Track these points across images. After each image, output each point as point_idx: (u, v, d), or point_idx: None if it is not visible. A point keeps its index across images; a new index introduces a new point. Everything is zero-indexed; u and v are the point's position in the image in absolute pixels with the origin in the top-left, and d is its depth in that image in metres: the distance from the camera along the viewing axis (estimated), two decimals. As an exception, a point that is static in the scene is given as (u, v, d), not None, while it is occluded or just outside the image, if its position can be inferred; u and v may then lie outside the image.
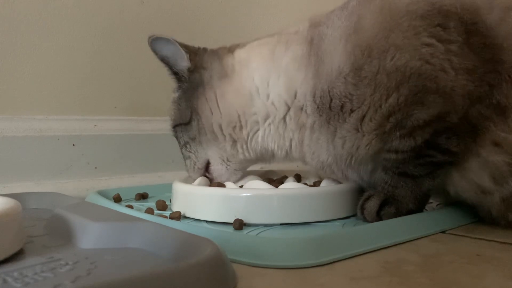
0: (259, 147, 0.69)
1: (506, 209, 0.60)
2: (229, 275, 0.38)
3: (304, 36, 0.66)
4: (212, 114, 0.69)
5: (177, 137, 0.74)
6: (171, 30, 0.70)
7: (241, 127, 0.68)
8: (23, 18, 0.84)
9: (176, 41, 0.70)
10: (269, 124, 0.67)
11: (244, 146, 0.70)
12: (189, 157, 0.72)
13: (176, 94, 0.73)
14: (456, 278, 0.42)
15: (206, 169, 0.72)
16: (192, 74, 0.70)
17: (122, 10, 0.96)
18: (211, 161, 0.71)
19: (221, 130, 0.69)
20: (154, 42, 0.70)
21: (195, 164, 0.72)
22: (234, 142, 0.69)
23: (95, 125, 0.92)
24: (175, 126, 0.74)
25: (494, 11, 0.57)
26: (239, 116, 0.68)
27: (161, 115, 1.02)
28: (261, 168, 0.97)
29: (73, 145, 0.89)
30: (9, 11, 0.83)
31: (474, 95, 0.56)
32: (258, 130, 0.68)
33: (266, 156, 0.72)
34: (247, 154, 0.71)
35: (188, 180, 0.72)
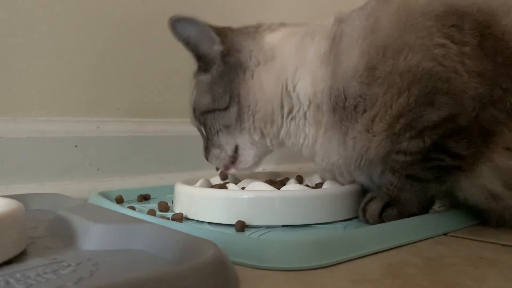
0: (279, 141, 0.70)
1: None
2: (231, 277, 0.38)
3: (328, 32, 0.65)
4: (250, 103, 0.66)
5: (205, 124, 0.70)
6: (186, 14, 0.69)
7: (272, 123, 0.67)
8: (27, 19, 0.85)
9: (203, 22, 0.67)
10: (291, 120, 0.67)
11: (274, 141, 0.70)
12: (221, 145, 0.70)
13: (206, 77, 0.69)
14: (458, 280, 0.42)
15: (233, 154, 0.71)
16: (227, 58, 0.67)
17: (124, 12, 0.97)
18: (240, 145, 0.69)
19: (254, 122, 0.67)
20: (176, 23, 0.67)
21: (226, 152, 0.70)
22: (263, 135, 0.69)
23: (97, 127, 0.93)
24: (205, 112, 0.70)
25: (510, 15, 0.57)
26: (272, 109, 0.66)
27: (164, 116, 1.02)
28: (263, 169, 0.97)
29: (76, 146, 0.89)
30: (12, 13, 0.83)
31: (486, 98, 0.56)
32: (282, 126, 0.68)
33: (282, 148, 0.72)
34: (275, 144, 0.70)
35: (191, 182, 0.72)
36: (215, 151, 0.71)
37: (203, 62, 0.69)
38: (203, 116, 0.70)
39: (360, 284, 0.41)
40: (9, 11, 0.83)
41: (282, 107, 0.66)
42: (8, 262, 0.38)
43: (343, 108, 0.61)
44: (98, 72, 0.94)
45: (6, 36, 0.83)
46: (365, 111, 0.59)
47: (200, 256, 0.36)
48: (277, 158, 1.07)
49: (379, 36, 0.59)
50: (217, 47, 0.67)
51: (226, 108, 0.67)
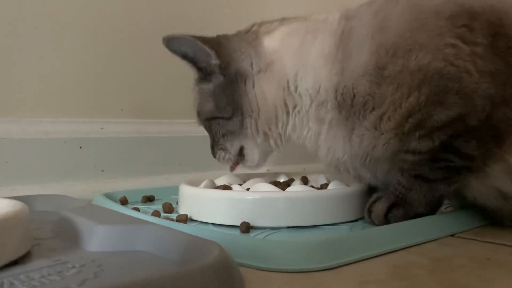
0: (287, 138, 0.70)
1: None
2: (236, 279, 0.38)
3: (334, 28, 0.64)
4: (252, 111, 0.67)
5: (210, 129, 0.72)
6: (178, 32, 0.69)
7: (276, 123, 0.68)
8: (31, 20, 0.85)
9: (195, 37, 0.66)
10: (295, 115, 0.67)
11: (278, 140, 0.70)
12: (226, 147, 0.71)
13: (207, 86, 0.69)
14: (466, 282, 0.42)
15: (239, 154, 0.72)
16: (226, 70, 0.67)
17: (128, 12, 0.97)
18: (246, 146, 0.71)
19: (257, 126, 0.68)
20: (170, 42, 0.67)
21: (230, 153, 0.71)
22: (267, 136, 0.69)
23: (102, 128, 0.93)
24: (209, 119, 0.71)
25: None
26: (276, 112, 0.67)
27: (168, 117, 1.02)
28: (267, 170, 0.97)
29: (80, 147, 0.89)
30: (16, 13, 0.83)
31: (498, 98, 0.55)
32: (288, 122, 0.68)
33: (289, 143, 0.72)
34: (279, 144, 0.71)
35: (195, 183, 0.72)
36: (220, 153, 0.72)
37: (203, 73, 0.70)
38: (207, 121, 0.72)
39: (366, 286, 0.41)
40: (13, 12, 0.83)
41: (286, 106, 0.67)
42: (13, 264, 0.38)
43: (350, 105, 0.61)
44: (103, 73, 0.94)
45: (10, 37, 0.83)
46: (373, 109, 0.59)
47: (205, 258, 0.36)
48: (281, 159, 1.06)
49: (388, 35, 0.59)
50: (214, 61, 0.67)
51: (229, 118, 0.68)
